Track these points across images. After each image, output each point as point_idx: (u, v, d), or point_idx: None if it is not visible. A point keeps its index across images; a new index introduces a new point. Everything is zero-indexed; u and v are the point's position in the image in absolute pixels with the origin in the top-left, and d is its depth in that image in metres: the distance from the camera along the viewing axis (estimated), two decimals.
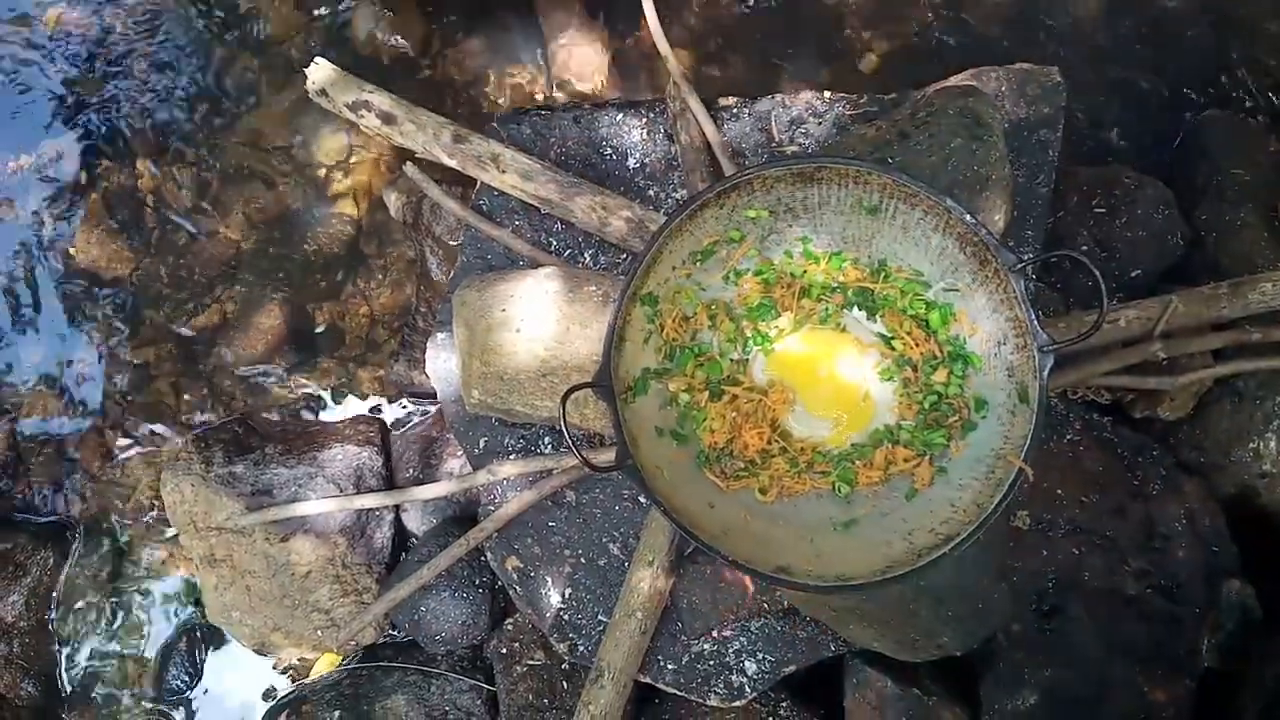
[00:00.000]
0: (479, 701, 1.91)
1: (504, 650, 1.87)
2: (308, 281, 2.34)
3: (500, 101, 2.40)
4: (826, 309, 1.52)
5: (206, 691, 2.16)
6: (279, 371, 2.30)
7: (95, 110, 2.44)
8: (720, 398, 1.50)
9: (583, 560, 1.79)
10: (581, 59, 2.36)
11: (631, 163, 1.95)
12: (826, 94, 1.95)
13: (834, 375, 1.51)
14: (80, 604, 2.21)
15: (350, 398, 2.26)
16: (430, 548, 1.91)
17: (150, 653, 2.18)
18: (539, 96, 2.40)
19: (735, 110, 1.95)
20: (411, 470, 2.08)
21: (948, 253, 1.43)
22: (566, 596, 1.78)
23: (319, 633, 1.98)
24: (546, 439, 1.84)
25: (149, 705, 2.16)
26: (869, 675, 1.68)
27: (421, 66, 2.44)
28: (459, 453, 2.02)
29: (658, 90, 2.31)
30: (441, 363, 1.94)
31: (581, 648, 1.76)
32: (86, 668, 2.18)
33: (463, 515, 2.02)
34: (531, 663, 1.84)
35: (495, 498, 1.84)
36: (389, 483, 2.10)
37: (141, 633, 2.19)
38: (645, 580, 1.65)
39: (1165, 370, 1.79)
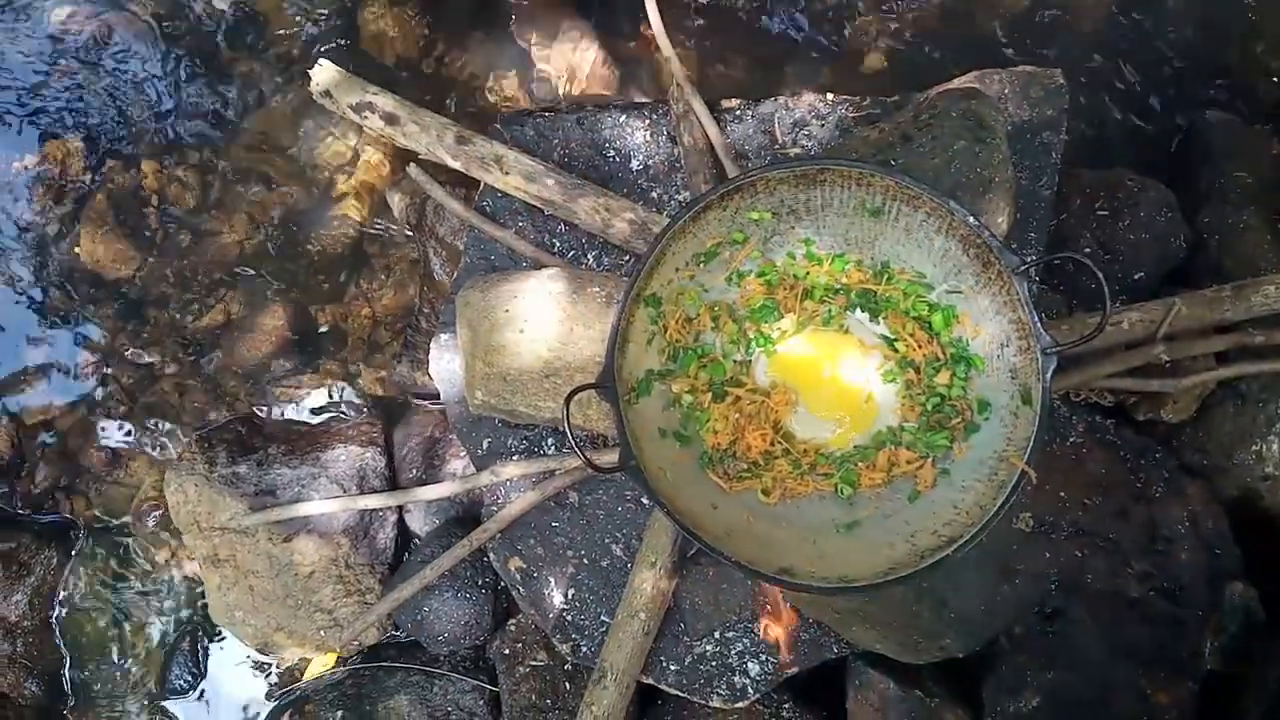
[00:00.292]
0: (481, 702, 1.92)
1: (507, 651, 1.87)
2: (311, 282, 2.35)
3: (504, 103, 2.41)
4: (829, 311, 1.53)
5: (209, 691, 2.17)
6: (283, 372, 2.30)
7: (100, 111, 2.45)
8: (723, 399, 1.50)
9: (585, 561, 1.79)
10: (584, 61, 2.36)
11: (635, 164, 1.95)
12: (829, 96, 1.95)
13: (837, 377, 1.52)
14: (83, 604, 2.21)
15: (354, 398, 2.26)
16: (433, 548, 1.91)
17: (153, 652, 2.18)
18: (542, 98, 2.40)
19: (738, 112, 1.96)
20: (414, 471, 2.09)
21: (951, 255, 1.43)
22: (569, 597, 1.78)
23: (322, 633, 1.99)
24: (549, 440, 1.84)
25: (152, 705, 2.17)
26: (871, 677, 1.68)
27: (425, 68, 2.44)
28: (462, 453, 2.03)
29: (661, 92, 2.31)
30: (445, 364, 1.94)
31: (584, 648, 1.77)
32: (89, 667, 2.19)
33: (466, 516, 2.03)
34: (534, 663, 1.84)
35: (498, 498, 1.85)
36: (392, 483, 2.10)
37: (144, 632, 2.20)
38: (648, 581, 1.65)
39: (1168, 373, 1.79)
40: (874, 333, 1.52)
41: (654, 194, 1.93)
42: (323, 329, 2.33)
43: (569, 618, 1.78)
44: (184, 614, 2.20)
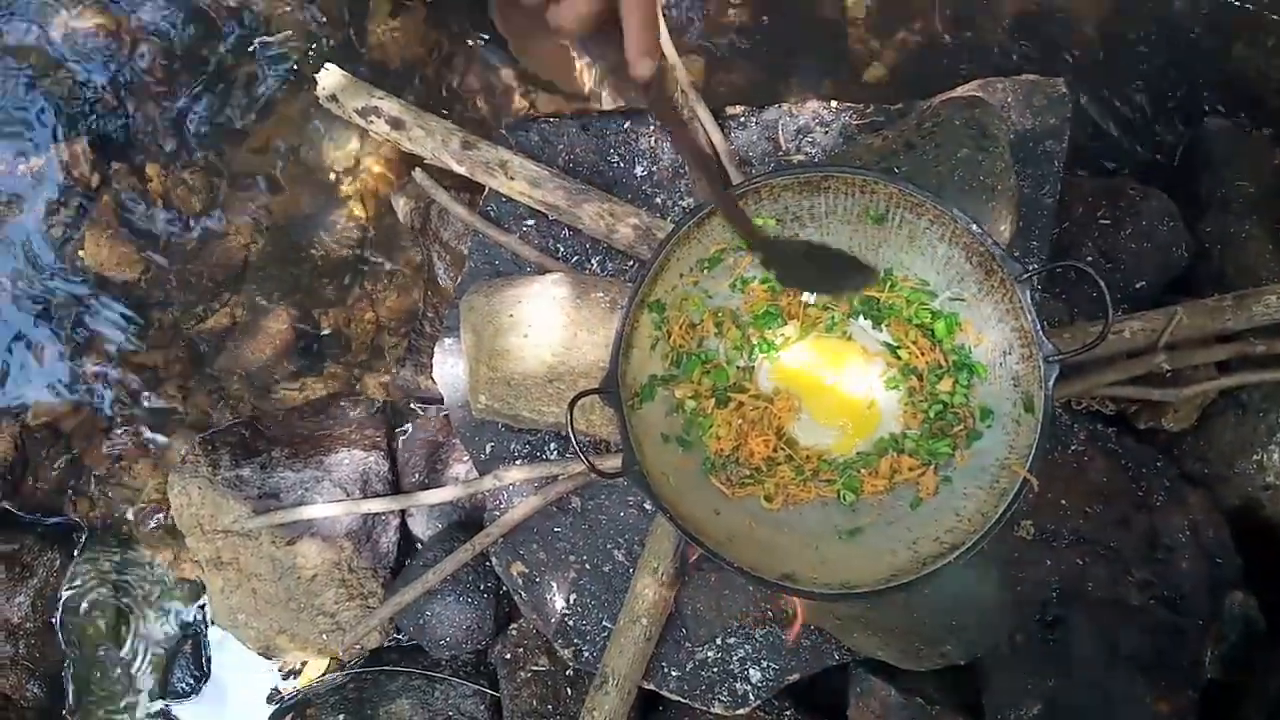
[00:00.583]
0: (483, 707, 1.92)
1: (508, 656, 1.87)
2: (315, 286, 2.35)
3: (508, 109, 2.41)
4: (832, 317, 1.53)
5: (211, 694, 2.17)
6: (286, 375, 2.31)
7: (106, 114, 2.46)
8: (726, 405, 1.50)
9: (587, 566, 1.79)
10: (589, 67, 2.36)
11: (639, 170, 1.96)
12: (833, 103, 1.96)
13: (839, 384, 1.52)
14: (86, 606, 2.21)
15: (357, 402, 2.27)
16: (436, 552, 1.91)
17: (155, 655, 2.18)
18: (547, 104, 2.41)
19: (742, 119, 1.96)
20: (417, 475, 2.09)
21: (954, 262, 1.44)
22: (571, 602, 1.79)
23: (324, 636, 1.99)
24: (552, 445, 1.85)
25: (154, 707, 2.17)
26: (873, 684, 1.69)
27: (431, 74, 2.45)
28: (465, 458, 2.03)
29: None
30: (448, 368, 1.95)
31: (586, 654, 1.77)
32: (91, 669, 2.19)
33: (468, 520, 2.03)
34: (536, 668, 1.85)
35: (501, 503, 1.85)
36: (395, 487, 2.11)
37: (147, 635, 2.20)
38: (650, 587, 1.65)
39: (1170, 382, 1.79)
40: (876, 340, 1.52)
41: (658, 200, 1.94)
42: (326, 333, 2.34)
43: (571, 623, 1.78)
44: (186, 617, 2.21)
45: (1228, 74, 2.31)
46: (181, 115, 2.45)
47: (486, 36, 2.44)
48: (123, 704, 2.18)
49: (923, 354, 1.48)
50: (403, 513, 2.07)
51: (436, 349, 1.97)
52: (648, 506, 1.77)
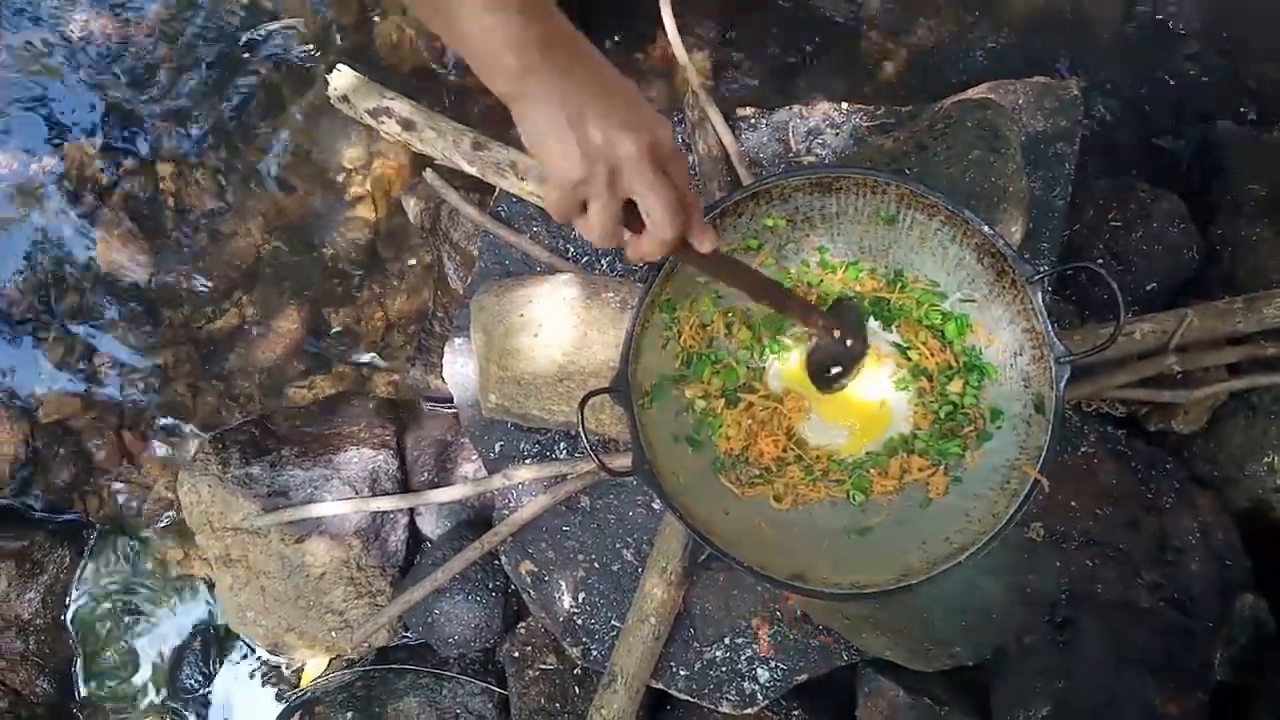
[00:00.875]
0: (491, 705, 1.92)
1: (516, 654, 1.88)
2: (325, 285, 2.36)
3: None
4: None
5: (219, 691, 2.17)
6: (296, 374, 2.32)
7: (118, 114, 2.47)
8: (736, 405, 1.51)
9: (596, 565, 1.79)
10: None
11: None
12: (844, 105, 1.96)
13: (850, 384, 1.52)
14: (95, 602, 2.22)
15: (366, 401, 2.27)
16: (444, 551, 1.92)
17: (164, 652, 2.19)
18: None
19: (753, 120, 1.97)
20: (426, 474, 2.09)
21: (965, 263, 1.44)
22: (580, 601, 1.79)
23: (333, 634, 1.99)
24: (561, 444, 1.85)
25: (162, 704, 2.18)
26: (881, 684, 1.68)
27: (442, 74, 2.46)
28: (474, 457, 2.03)
29: (676, 100, 2.32)
30: (458, 367, 1.95)
31: (594, 652, 1.77)
32: (101, 666, 2.20)
33: (477, 519, 2.03)
34: (544, 667, 1.85)
35: (510, 502, 1.85)
36: (404, 486, 2.11)
37: (156, 632, 2.21)
38: (659, 586, 1.66)
39: (1180, 384, 1.79)
40: (887, 340, 1.53)
41: None
42: (336, 332, 2.34)
43: (579, 621, 1.78)
44: (195, 614, 2.21)
45: (1240, 76, 2.31)
46: (192, 115, 2.47)
47: None
48: (131, 701, 2.19)
49: (933, 355, 1.48)
50: (411, 511, 2.08)
51: (446, 348, 1.98)
52: (656, 506, 1.78)
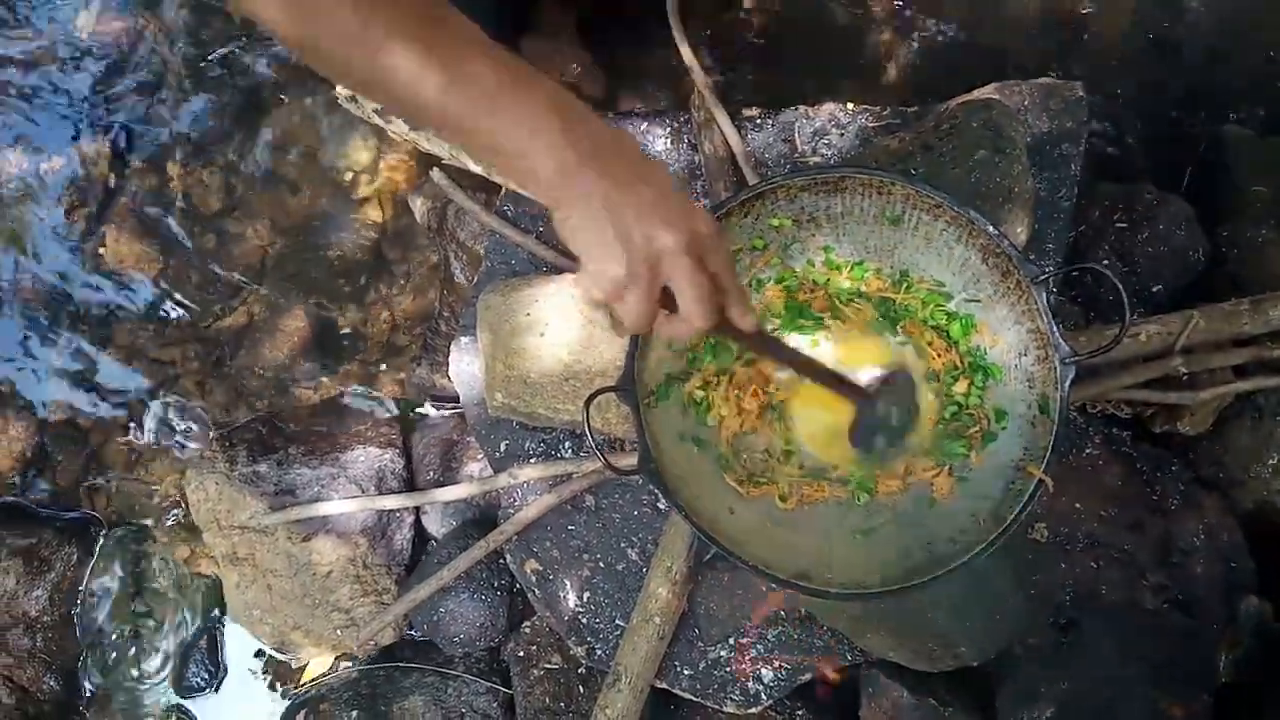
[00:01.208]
0: (495, 704, 1.93)
1: (521, 653, 1.88)
2: (332, 285, 2.37)
3: None
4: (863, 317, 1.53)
5: (225, 689, 2.18)
6: (303, 373, 2.32)
7: (126, 114, 2.48)
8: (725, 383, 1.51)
9: (601, 565, 1.80)
10: (606, 69, 2.37)
11: None
12: (849, 106, 1.96)
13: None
14: (103, 600, 2.23)
15: (372, 400, 2.28)
16: (450, 550, 1.92)
17: (171, 650, 2.20)
18: None
19: (759, 121, 1.97)
20: (432, 473, 2.10)
21: (970, 264, 1.44)
22: (584, 600, 1.79)
23: (339, 632, 2.00)
24: (567, 443, 1.85)
25: (169, 702, 2.18)
26: (885, 685, 1.68)
27: None
28: (479, 456, 2.04)
29: (682, 100, 2.32)
30: (464, 366, 1.96)
31: (599, 652, 1.78)
32: (108, 664, 2.21)
33: (482, 518, 2.04)
34: (548, 666, 1.85)
35: (515, 501, 1.86)
36: (410, 485, 2.12)
37: (162, 630, 2.21)
38: (663, 586, 1.66)
39: (1186, 385, 1.79)
40: (892, 341, 1.53)
41: None
42: (343, 331, 2.35)
43: (584, 621, 1.79)
44: (202, 612, 2.22)
45: (1246, 78, 2.30)
46: (201, 115, 2.47)
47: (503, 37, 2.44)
48: (138, 698, 2.19)
49: (938, 355, 1.48)
50: (417, 510, 2.08)
51: (453, 348, 1.98)
52: (661, 505, 1.78)
